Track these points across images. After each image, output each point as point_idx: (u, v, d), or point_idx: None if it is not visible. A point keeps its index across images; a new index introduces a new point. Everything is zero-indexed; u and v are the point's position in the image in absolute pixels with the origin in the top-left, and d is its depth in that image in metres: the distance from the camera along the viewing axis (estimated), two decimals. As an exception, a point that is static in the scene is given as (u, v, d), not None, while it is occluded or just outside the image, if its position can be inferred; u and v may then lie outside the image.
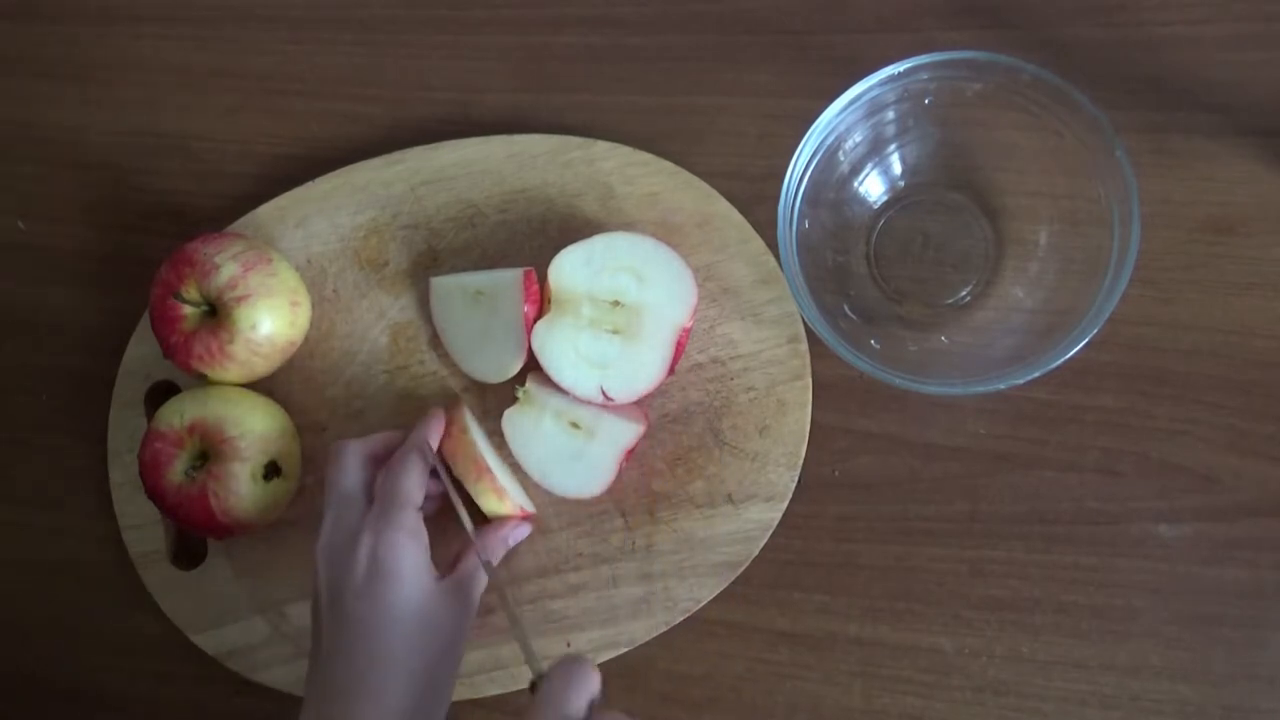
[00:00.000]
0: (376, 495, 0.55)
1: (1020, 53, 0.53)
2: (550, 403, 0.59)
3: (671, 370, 0.59)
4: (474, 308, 0.60)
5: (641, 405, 0.60)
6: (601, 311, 0.58)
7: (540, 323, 0.58)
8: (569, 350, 0.58)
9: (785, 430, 0.59)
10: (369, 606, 0.52)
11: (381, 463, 0.57)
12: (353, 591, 0.52)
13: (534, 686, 0.49)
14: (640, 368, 0.58)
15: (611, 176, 0.62)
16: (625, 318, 0.58)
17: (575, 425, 0.59)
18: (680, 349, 0.59)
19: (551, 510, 0.61)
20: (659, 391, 0.60)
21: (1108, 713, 0.57)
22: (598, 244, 0.58)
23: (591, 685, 0.48)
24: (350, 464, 0.56)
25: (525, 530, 0.60)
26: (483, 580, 0.56)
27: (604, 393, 0.58)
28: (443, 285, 0.61)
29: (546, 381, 0.59)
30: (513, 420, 0.59)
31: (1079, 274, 0.55)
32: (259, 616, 0.61)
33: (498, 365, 0.60)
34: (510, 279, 0.59)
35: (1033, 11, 0.61)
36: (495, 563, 0.57)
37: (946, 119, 0.58)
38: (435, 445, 0.58)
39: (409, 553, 0.53)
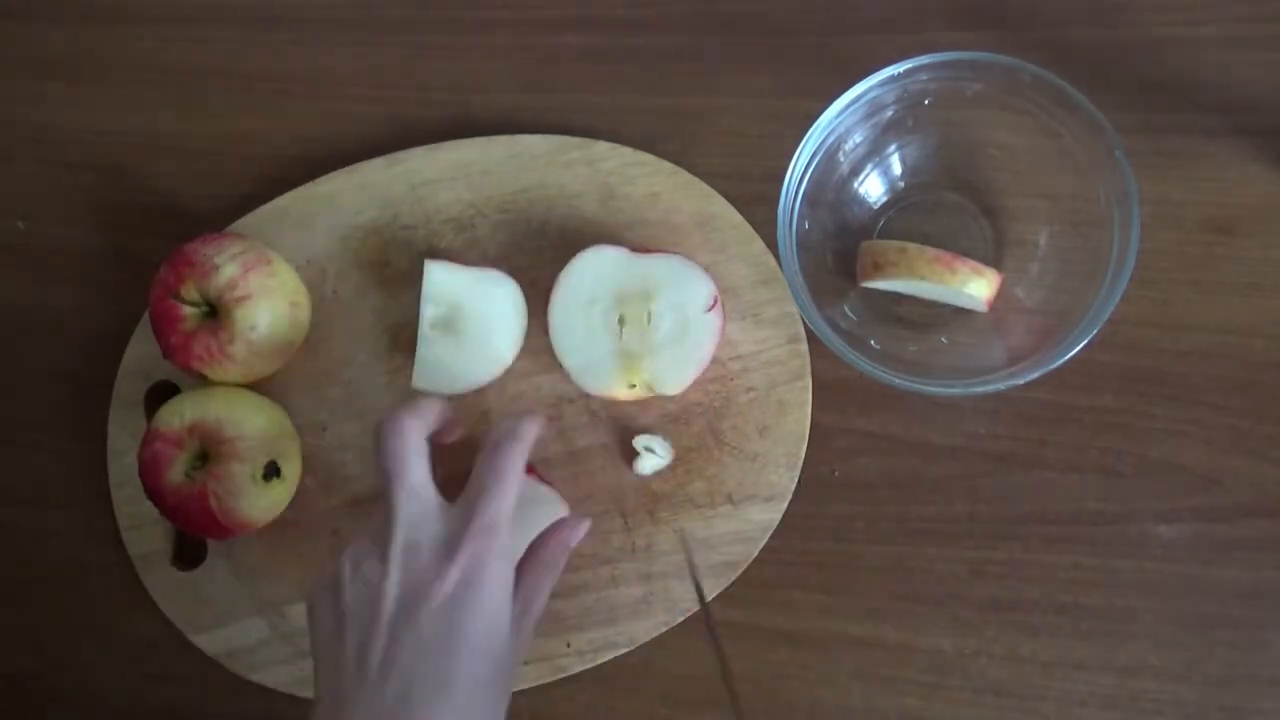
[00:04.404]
0: (474, 499, 0.49)
1: (1020, 53, 0.53)
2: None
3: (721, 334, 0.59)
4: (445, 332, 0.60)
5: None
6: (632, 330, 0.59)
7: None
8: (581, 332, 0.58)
9: (785, 430, 0.59)
10: (448, 629, 0.46)
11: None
12: (434, 607, 0.46)
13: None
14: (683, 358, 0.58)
15: (611, 177, 0.62)
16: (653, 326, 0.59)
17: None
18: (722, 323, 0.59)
19: (551, 510, 0.61)
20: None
21: (1107, 713, 0.57)
22: (587, 272, 0.58)
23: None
24: (414, 447, 0.50)
25: (584, 526, 0.54)
26: (541, 611, 0.51)
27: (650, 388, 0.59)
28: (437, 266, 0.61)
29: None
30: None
31: (1079, 275, 0.55)
32: (259, 617, 0.61)
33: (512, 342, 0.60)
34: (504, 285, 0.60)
35: (1033, 12, 0.61)
36: (560, 571, 0.53)
37: (946, 120, 0.58)
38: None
39: (506, 582, 0.48)
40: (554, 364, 0.59)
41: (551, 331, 0.59)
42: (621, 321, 0.58)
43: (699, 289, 0.58)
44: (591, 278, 0.58)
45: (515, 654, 0.49)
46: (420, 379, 0.60)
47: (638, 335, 0.58)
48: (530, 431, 0.52)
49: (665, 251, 0.59)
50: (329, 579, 0.49)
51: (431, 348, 0.59)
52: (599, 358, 0.58)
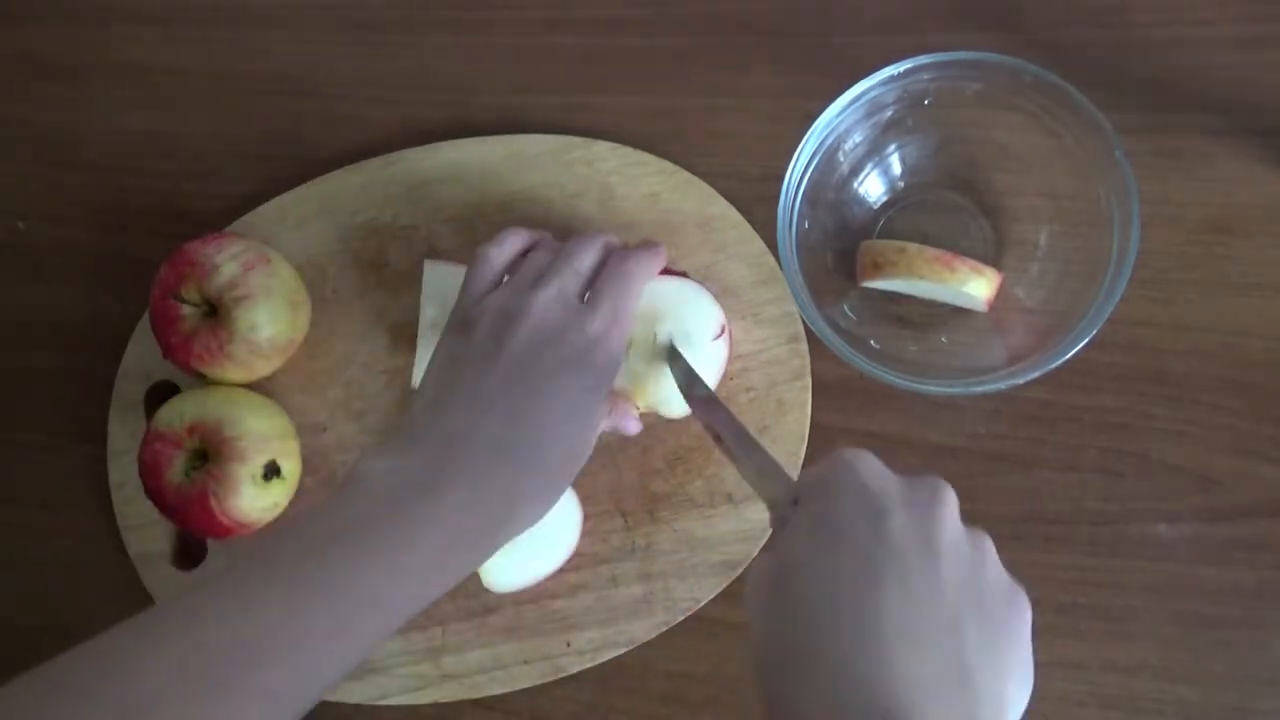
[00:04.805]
0: (609, 290, 0.52)
1: (1020, 53, 0.53)
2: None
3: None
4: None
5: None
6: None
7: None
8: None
9: (785, 430, 0.59)
10: (565, 389, 0.49)
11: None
12: (553, 361, 0.49)
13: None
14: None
15: (611, 177, 0.62)
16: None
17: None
18: (730, 345, 0.59)
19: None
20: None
21: (1107, 713, 0.57)
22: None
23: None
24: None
25: (634, 425, 0.55)
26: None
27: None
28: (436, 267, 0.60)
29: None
30: None
31: (1079, 274, 0.55)
32: (259, 616, 0.61)
33: None
34: None
35: (1033, 12, 0.61)
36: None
37: (946, 119, 0.58)
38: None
39: (616, 364, 0.51)
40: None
41: None
42: (629, 344, 0.58)
43: (707, 316, 0.58)
44: None
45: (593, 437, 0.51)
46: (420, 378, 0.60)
47: (644, 359, 0.58)
48: (661, 251, 0.56)
49: (676, 274, 0.58)
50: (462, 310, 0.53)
51: (432, 348, 0.59)
52: (656, 383, 0.58)
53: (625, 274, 0.53)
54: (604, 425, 0.53)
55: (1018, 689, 0.39)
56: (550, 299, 0.51)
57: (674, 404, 0.57)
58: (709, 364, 0.58)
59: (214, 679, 0.40)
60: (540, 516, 0.49)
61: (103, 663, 0.41)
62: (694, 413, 0.54)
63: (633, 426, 0.55)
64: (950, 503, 0.40)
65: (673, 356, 0.56)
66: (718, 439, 0.51)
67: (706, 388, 0.55)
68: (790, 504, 0.43)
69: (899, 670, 0.36)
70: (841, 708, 0.36)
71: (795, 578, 0.39)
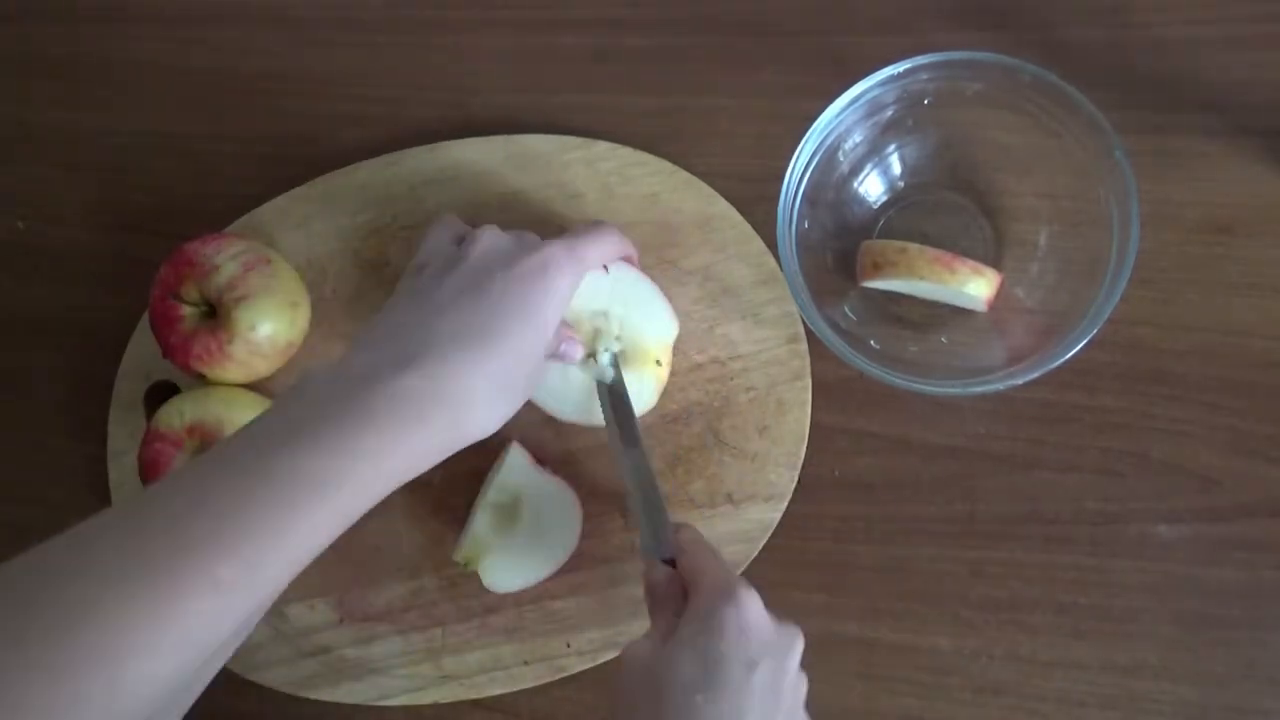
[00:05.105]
0: (571, 232, 0.55)
1: (1020, 53, 0.53)
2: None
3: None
4: None
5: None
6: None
7: None
8: (557, 378, 0.58)
9: (785, 430, 0.59)
10: (517, 297, 0.50)
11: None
12: (504, 277, 0.50)
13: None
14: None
15: (611, 177, 0.62)
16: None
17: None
18: (662, 383, 0.59)
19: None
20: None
21: (1107, 713, 0.57)
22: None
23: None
24: (602, 250, 0.55)
25: (576, 352, 0.57)
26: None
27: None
28: None
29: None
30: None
31: (1079, 274, 0.55)
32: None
33: None
34: None
35: (1032, 12, 0.61)
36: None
37: (946, 119, 0.58)
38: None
39: (572, 285, 0.52)
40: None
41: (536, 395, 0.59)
42: (590, 354, 0.58)
43: (661, 329, 0.59)
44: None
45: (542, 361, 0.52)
46: None
47: (608, 355, 0.58)
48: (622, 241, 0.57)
49: (625, 268, 0.58)
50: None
51: None
52: (582, 396, 0.58)
53: (593, 226, 0.55)
54: (549, 352, 0.54)
55: None
56: (503, 235, 0.53)
57: (581, 413, 0.59)
58: (645, 385, 0.58)
59: (161, 571, 0.40)
60: (493, 421, 0.49)
61: (48, 561, 0.40)
62: (615, 454, 0.57)
63: (575, 353, 0.56)
64: (798, 650, 0.49)
65: (614, 393, 0.57)
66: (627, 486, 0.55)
67: (636, 436, 0.56)
68: (664, 565, 0.53)
69: None
70: None
71: (670, 687, 0.46)
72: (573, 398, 0.58)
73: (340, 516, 0.44)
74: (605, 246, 0.55)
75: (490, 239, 0.52)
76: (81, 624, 0.38)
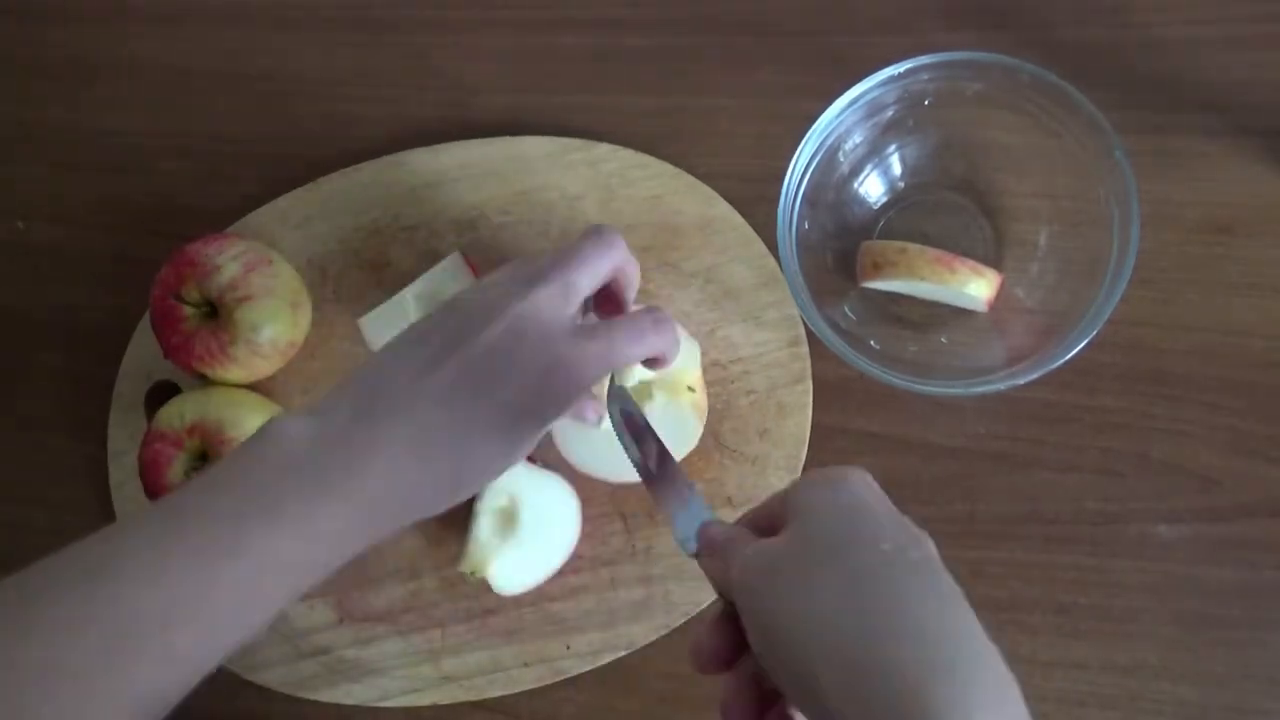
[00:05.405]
0: (613, 327, 0.48)
1: (1020, 53, 0.53)
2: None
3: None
4: (425, 314, 0.60)
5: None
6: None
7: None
8: (588, 433, 0.57)
9: (785, 433, 0.59)
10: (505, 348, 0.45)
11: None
12: (517, 369, 0.45)
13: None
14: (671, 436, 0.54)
15: (613, 179, 0.62)
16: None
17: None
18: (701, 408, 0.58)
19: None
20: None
21: (1107, 713, 0.57)
22: None
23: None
24: (594, 274, 0.49)
25: (591, 414, 0.54)
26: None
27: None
28: (375, 318, 0.60)
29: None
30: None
31: (1079, 274, 0.55)
32: (259, 617, 0.61)
33: None
34: (450, 268, 0.59)
35: (1032, 12, 0.61)
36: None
37: (946, 120, 0.58)
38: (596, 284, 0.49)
39: (563, 306, 0.47)
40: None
41: (562, 446, 0.58)
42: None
43: (687, 359, 0.57)
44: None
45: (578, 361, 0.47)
46: None
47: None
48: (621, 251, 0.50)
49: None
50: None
51: None
52: (620, 449, 0.54)
53: (643, 324, 0.49)
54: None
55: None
56: (541, 300, 0.47)
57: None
58: (685, 416, 0.57)
59: (120, 642, 0.39)
60: (461, 497, 0.47)
61: (3, 617, 0.40)
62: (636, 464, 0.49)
63: (590, 415, 0.54)
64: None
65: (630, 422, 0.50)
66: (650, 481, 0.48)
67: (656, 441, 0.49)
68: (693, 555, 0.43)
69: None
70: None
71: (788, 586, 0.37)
72: (597, 452, 0.58)
73: (304, 587, 0.44)
74: (594, 267, 0.49)
75: (525, 309, 0.47)
76: (36, 687, 0.38)
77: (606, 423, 0.54)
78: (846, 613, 0.35)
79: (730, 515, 0.59)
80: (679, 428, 0.57)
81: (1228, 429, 0.57)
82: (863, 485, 0.40)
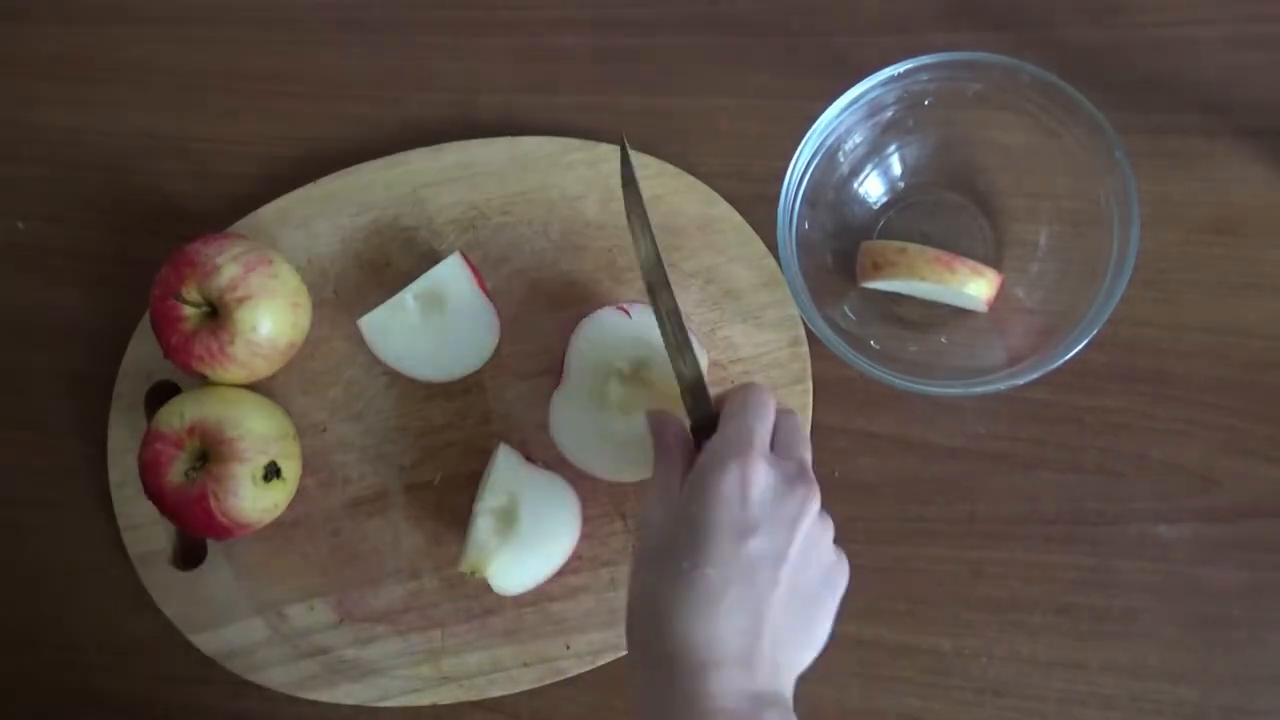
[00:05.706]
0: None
1: (1020, 53, 0.53)
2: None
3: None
4: (425, 314, 0.60)
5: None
6: (628, 389, 0.58)
7: (557, 396, 0.59)
8: (587, 431, 0.58)
9: (785, 431, 0.59)
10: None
11: None
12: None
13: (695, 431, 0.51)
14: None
15: (613, 179, 0.61)
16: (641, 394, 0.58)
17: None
18: None
19: (552, 511, 0.61)
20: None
21: (1107, 713, 0.57)
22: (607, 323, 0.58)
23: (768, 411, 0.49)
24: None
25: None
26: None
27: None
28: (375, 319, 0.60)
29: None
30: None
31: (1079, 274, 0.55)
32: (258, 617, 0.61)
33: (476, 349, 0.60)
34: (450, 268, 0.59)
35: (1032, 12, 0.61)
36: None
37: (946, 120, 0.58)
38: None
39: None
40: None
41: (565, 450, 0.59)
42: (624, 407, 0.58)
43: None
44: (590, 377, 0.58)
45: None
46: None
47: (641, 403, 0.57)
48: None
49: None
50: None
51: (418, 335, 0.60)
52: (618, 448, 0.58)
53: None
54: None
55: (804, 650, 0.49)
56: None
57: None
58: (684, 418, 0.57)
59: None
60: None
61: None
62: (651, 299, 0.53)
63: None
64: (811, 513, 0.47)
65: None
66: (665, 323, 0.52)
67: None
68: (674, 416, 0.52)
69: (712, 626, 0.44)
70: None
71: (660, 551, 0.47)
72: (611, 455, 0.59)
73: None
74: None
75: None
76: None
77: (606, 423, 0.56)
78: (647, 598, 0.47)
79: (730, 515, 0.59)
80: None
81: (1228, 429, 0.57)
82: (733, 485, 0.46)
